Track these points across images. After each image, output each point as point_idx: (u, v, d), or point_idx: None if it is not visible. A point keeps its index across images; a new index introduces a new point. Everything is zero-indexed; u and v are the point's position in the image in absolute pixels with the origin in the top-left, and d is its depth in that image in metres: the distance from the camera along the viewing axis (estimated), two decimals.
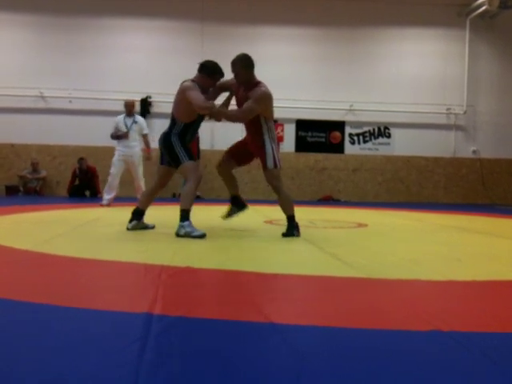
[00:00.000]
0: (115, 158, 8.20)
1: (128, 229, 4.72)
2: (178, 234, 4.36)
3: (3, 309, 2.09)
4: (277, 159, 4.58)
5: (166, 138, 4.58)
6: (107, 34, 11.99)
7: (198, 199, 10.76)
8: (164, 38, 12.08)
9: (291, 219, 4.60)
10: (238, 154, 4.82)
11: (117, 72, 11.84)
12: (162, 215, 6.49)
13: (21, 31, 11.86)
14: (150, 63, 11.96)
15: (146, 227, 4.85)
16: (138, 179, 8.28)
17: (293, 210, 4.61)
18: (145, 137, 8.34)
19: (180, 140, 4.53)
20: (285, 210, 4.64)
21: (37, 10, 11.80)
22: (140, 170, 8.27)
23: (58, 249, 3.54)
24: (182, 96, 4.48)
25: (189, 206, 4.46)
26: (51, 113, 11.79)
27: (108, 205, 8.15)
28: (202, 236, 4.28)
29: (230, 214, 4.98)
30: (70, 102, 11.69)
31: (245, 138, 4.82)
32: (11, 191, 11.36)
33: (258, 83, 4.52)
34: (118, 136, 8.12)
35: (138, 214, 4.80)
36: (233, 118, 4.64)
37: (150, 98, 11.76)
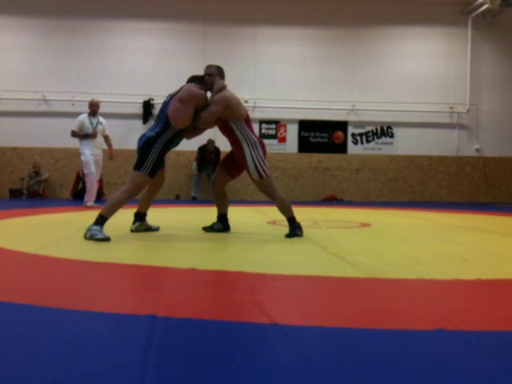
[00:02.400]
0: (88, 158, 8.26)
1: (132, 230, 4.73)
2: (84, 237, 4.12)
3: (6, 311, 2.09)
4: (260, 168, 4.48)
5: (148, 143, 4.29)
6: (109, 36, 12.01)
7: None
8: (166, 40, 12.09)
9: (292, 220, 4.57)
10: (229, 166, 4.79)
11: (119, 75, 11.87)
12: (165, 217, 6.50)
13: (23, 35, 11.89)
14: (153, 65, 11.97)
15: (149, 228, 4.84)
16: (98, 180, 8.61)
17: (292, 212, 4.57)
18: (107, 137, 8.56)
19: (162, 149, 4.31)
20: (284, 212, 4.62)
21: (39, 14, 11.84)
22: (100, 171, 8.62)
23: (61, 251, 3.54)
24: (191, 102, 4.33)
25: (107, 214, 4.20)
26: (54, 116, 11.82)
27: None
28: (106, 239, 4.04)
29: (213, 228, 4.85)
30: (73, 104, 11.71)
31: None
32: (15, 194, 11.40)
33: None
34: (86, 135, 8.22)
35: (139, 216, 4.81)
36: (200, 120, 4.46)
37: (152, 100, 11.77)
